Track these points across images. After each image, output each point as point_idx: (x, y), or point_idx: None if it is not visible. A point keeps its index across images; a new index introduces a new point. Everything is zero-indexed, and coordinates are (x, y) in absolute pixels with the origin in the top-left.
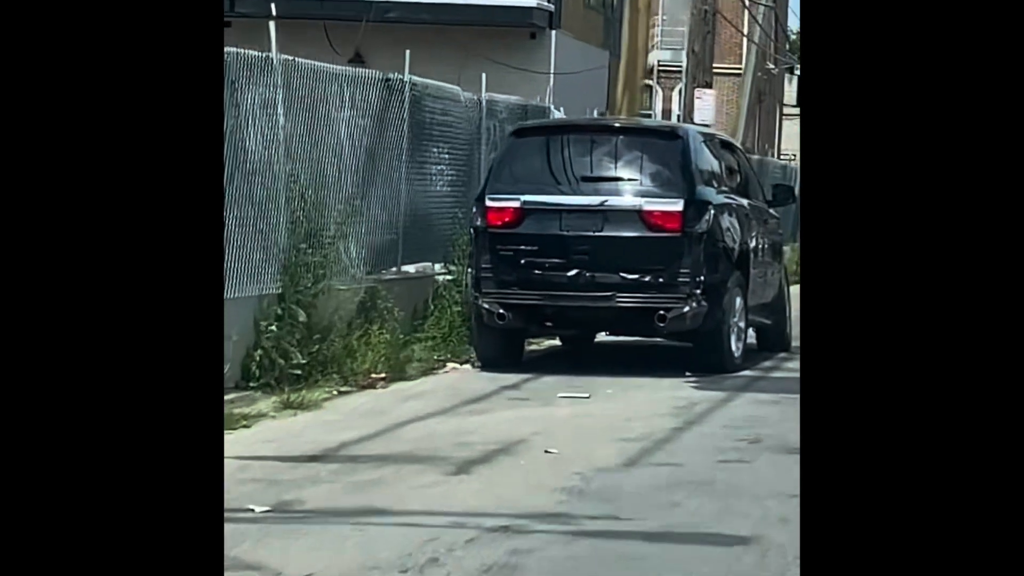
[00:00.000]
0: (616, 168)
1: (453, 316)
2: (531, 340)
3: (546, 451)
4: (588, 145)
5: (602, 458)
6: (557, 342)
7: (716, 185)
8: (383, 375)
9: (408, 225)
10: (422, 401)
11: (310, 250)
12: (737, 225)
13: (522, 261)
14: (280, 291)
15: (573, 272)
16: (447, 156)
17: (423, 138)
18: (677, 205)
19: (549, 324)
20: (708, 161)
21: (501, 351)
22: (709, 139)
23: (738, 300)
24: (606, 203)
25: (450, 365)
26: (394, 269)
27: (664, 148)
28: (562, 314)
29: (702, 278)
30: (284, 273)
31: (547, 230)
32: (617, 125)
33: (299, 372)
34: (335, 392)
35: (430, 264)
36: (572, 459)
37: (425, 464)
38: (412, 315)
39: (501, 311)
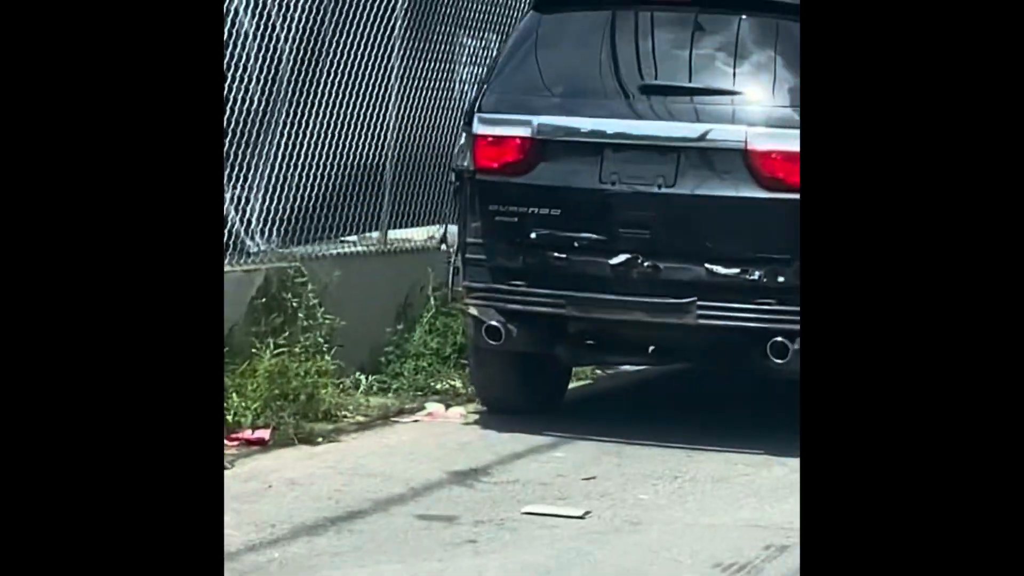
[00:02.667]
0: (705, 72)
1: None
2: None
3: None
4: (659, 30)
5: None
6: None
7: None
8: (262, 435)
9: (403, 166)
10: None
11: None
12: None
13: (532, 235)
14: None
15: (621, 259)
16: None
17: (438, 21)
18: None
19: (590, 343)
20: None
21: (509, 388)
22: None
23: None
24: (686, 134)
25: (430, 407)
26: (374, 236)
27: (792, 39)
28: (601, 332)
29: None
30: None
31: (578, 182)
32: None
33: None
34: None
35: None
36: None
37: None
38: (401, 312)
39: (495, 323)
